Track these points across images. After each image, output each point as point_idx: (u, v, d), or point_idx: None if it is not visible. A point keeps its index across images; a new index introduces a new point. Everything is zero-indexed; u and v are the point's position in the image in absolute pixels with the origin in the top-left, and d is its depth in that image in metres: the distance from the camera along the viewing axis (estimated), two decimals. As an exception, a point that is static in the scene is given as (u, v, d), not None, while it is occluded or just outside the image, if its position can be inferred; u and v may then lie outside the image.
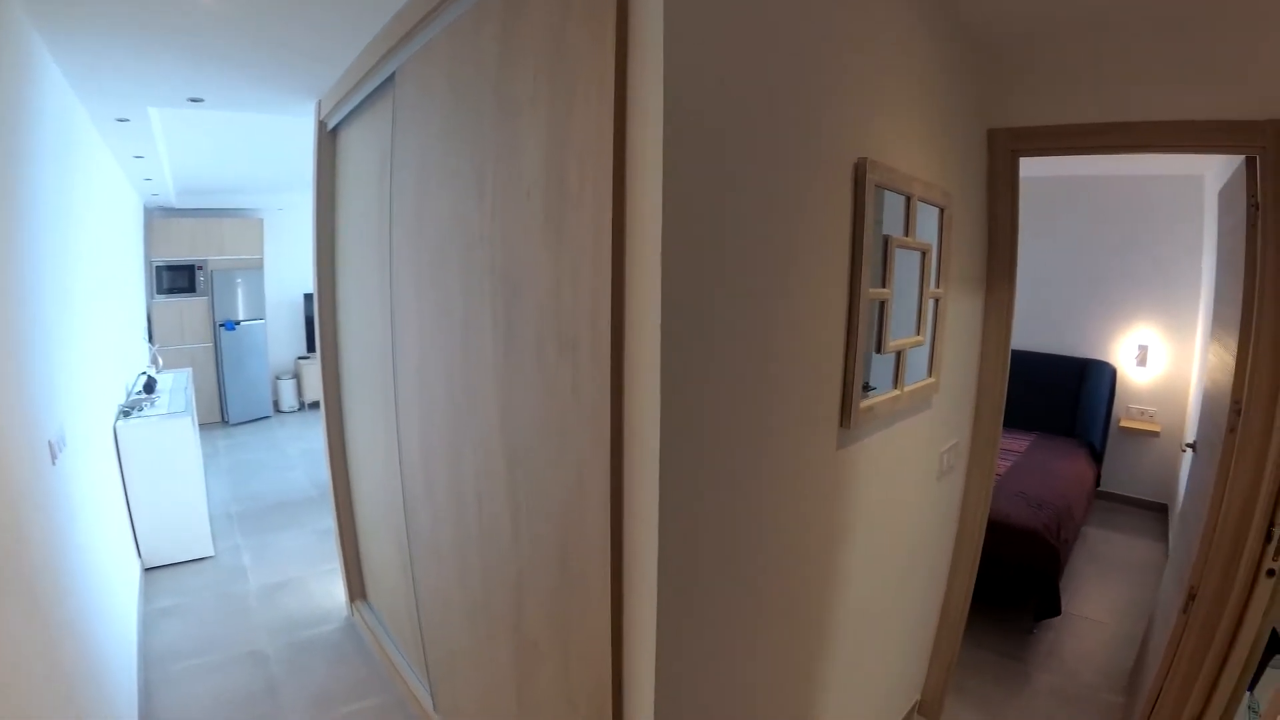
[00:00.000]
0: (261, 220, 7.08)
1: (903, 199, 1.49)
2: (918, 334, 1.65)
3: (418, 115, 1.80)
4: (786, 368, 1.23)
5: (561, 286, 1.18)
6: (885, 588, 1.87)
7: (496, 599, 1.58)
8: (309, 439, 6.36)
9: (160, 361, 4.53)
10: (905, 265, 1.54)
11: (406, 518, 2.19)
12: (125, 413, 3.43)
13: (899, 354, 1.57)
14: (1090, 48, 2.02)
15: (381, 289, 2.20)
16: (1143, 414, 4.68)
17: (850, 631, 1.69)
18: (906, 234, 1.50)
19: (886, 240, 1.41)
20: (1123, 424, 4.68)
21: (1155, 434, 4.58)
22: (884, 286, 1.42)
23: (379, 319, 2.27)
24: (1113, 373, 4.67)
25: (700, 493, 1.10)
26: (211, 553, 3.80)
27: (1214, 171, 4.14)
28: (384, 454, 2.40)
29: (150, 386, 3.83)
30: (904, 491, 1.85)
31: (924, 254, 1.62)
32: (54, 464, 1.88)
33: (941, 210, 1.71)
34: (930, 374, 1.78)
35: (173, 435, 3.51)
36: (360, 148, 2.42)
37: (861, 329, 1.34)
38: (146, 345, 5.01)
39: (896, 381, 1.58)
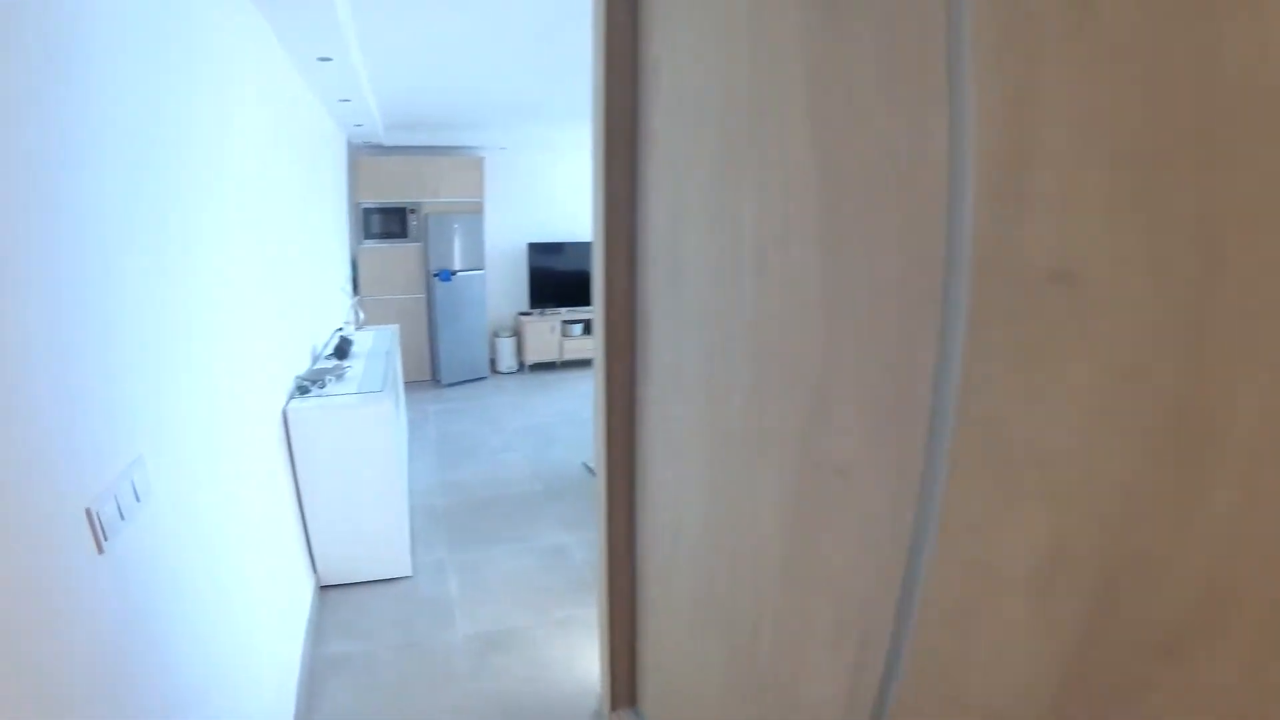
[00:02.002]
0: (481, 159, 6.29)
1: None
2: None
3: None
4: None
5: None
6: None
7: None
8: (530, 411, 5.47)
9: (362, 316, 3.77)
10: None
11: None
12: (303, 388, 2.54)
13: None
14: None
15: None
16: None
17: None
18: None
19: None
20: None
21: None
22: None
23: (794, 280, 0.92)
24: None
25: None
26: (409, 572, 2.89)
27: None
28: (747, 512, 1.09)
29: (343, 351, 2.97)
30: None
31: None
32: (101, 551, 0.89)
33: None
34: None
35: (362, 421, 2.58)
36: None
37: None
38: (349, 297, 4.32)
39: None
